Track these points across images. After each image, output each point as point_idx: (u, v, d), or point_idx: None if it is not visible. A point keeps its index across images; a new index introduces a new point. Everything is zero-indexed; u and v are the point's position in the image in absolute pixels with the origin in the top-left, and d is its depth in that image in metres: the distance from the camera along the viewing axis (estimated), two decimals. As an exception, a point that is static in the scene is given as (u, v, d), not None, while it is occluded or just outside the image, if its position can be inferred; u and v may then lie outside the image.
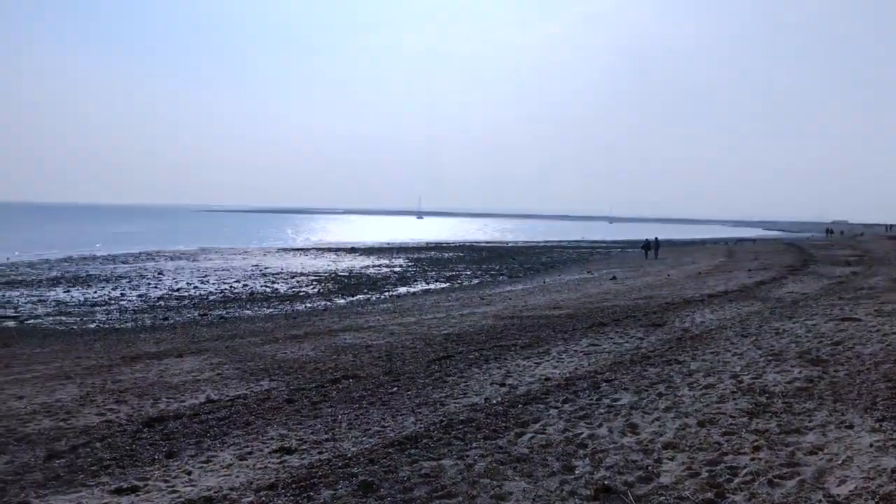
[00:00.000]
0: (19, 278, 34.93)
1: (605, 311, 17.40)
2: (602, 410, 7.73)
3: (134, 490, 6.11)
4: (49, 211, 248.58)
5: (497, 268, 45.44)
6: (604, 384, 8.97)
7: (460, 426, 7.38)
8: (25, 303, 26.50)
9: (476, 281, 36.44)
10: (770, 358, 10.02)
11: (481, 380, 9.67)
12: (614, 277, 31.20)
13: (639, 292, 22.79)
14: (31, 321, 22.42)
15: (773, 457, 5.93)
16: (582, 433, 6.93)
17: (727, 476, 5.58)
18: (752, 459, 5.91)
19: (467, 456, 6.43)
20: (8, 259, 46.64)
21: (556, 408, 7.93)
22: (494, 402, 8.37)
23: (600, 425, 7.15)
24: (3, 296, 28.26)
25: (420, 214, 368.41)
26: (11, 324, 21.88)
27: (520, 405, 8.10)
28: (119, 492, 6.07)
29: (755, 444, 6.29)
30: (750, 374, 9.03)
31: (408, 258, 54.88)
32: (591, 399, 8.25)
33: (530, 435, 6.95)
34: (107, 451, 7.29)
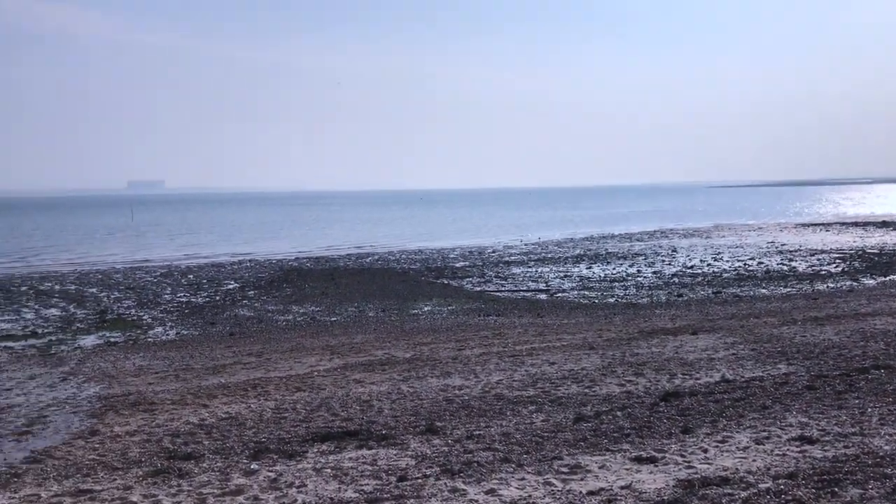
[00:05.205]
0: (549, 256, 39.01)
1: None
2: None
3: (652, 460, 6.40)
4: (564, 193, 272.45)
5: None
6: None
7: None
8: (554, 278, 29.50)
9: None
10: None
11: None
12: None
13: None
14: (559, 295, 24.88)
15: None
16: None
17: None
18: None
19: None
20: (539, 239, 52.44)
21: None
22: None
23: None
24: (537, 272, 31.87)
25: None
26: (543, 297, 24.58)
27: None
28: (639, 460, 6.42)
29: None
30: None
31: (957, 232, 46.84)
32: None
33: None
34: (627, 420, 7.76)
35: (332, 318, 20.53)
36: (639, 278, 28.58)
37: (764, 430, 7.05)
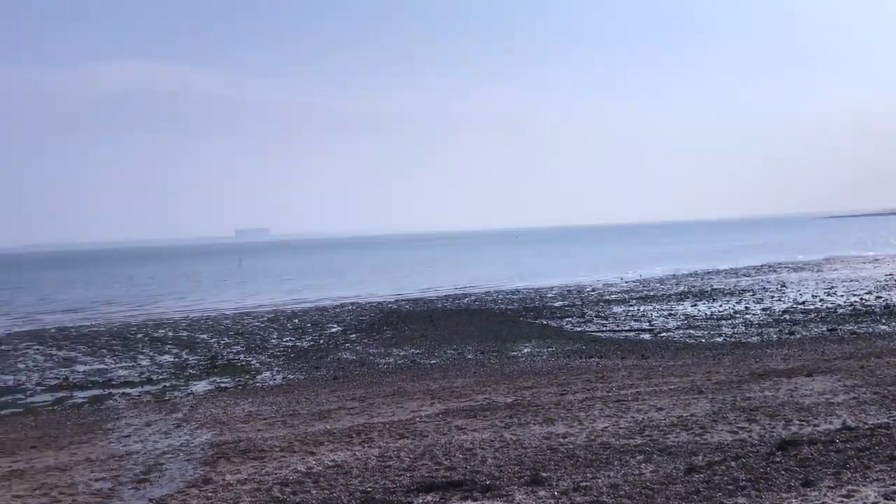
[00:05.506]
0: (651, 293, 38.14)
1: None
2: None
3: (771, 516, 6.09)
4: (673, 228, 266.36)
5: None
6: None
7: None
8: (657, 317, 28.77)
9: None
10: None
11: None
12: None
13: None
14: (664, 334, 24.22)
15: None
16: None
17: None
18: None
19: None
20: (640, 275, 51.37)
21: None
22: None
23: None
24: (639, 310, 31.17)
25: None
26: (647, 336, 23.98)
27: None
28: (756, 516, 6.12)
29: None
30: None
31: None
32: None
33: None
34: (741, 471, 7.42)
35: (432, 361, 20.61)
36: (747, 316, 27.54)
37: (893, 484, 6.62)
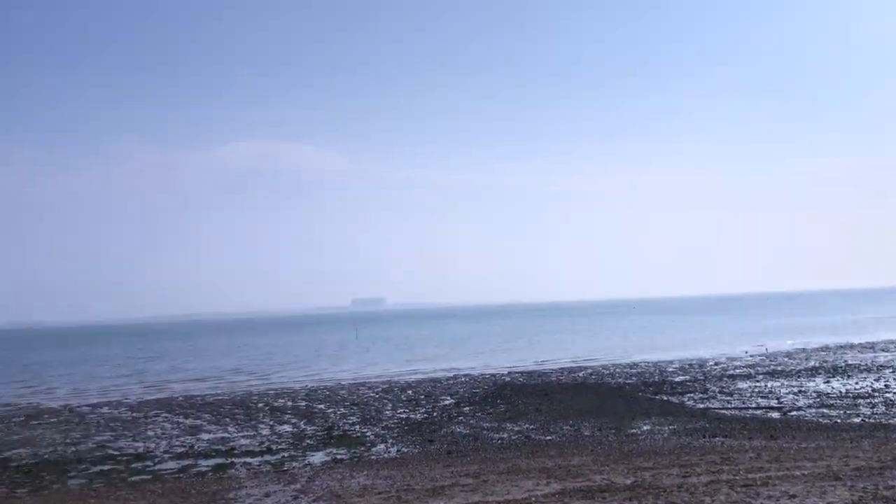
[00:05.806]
0: (779, 368, 36.23)
1: None
2: None
3: None
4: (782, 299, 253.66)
5: None
6: None
7: None
8: (787, 393, 27.24)
9: None
10: None
11: None
12: None
13: None
14: (794, 413, 22.86)
15: None
16: None
17: None
18: None
19: None
20: (766, 350, 48.96)
21: None
22: None
23: None
24: (767, 386, 29.62)
25: None
26: (776, 415, 22.68)
27: None
28: None
29: None
30: None
31: None
32: None
33: None
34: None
35: (547, 437, 20.17)
36: (887, 394, 25.67)
37: None
